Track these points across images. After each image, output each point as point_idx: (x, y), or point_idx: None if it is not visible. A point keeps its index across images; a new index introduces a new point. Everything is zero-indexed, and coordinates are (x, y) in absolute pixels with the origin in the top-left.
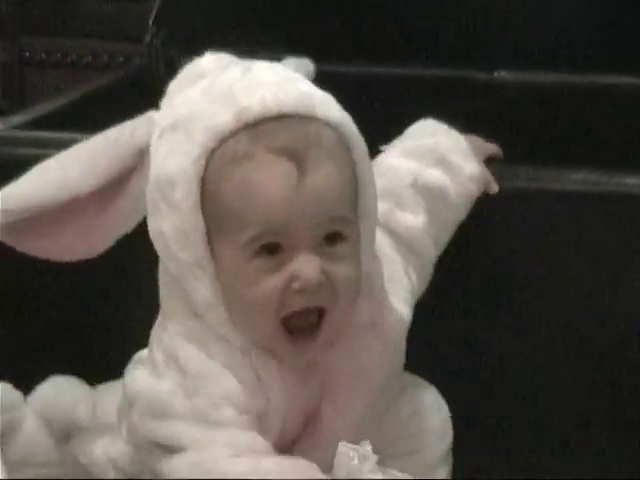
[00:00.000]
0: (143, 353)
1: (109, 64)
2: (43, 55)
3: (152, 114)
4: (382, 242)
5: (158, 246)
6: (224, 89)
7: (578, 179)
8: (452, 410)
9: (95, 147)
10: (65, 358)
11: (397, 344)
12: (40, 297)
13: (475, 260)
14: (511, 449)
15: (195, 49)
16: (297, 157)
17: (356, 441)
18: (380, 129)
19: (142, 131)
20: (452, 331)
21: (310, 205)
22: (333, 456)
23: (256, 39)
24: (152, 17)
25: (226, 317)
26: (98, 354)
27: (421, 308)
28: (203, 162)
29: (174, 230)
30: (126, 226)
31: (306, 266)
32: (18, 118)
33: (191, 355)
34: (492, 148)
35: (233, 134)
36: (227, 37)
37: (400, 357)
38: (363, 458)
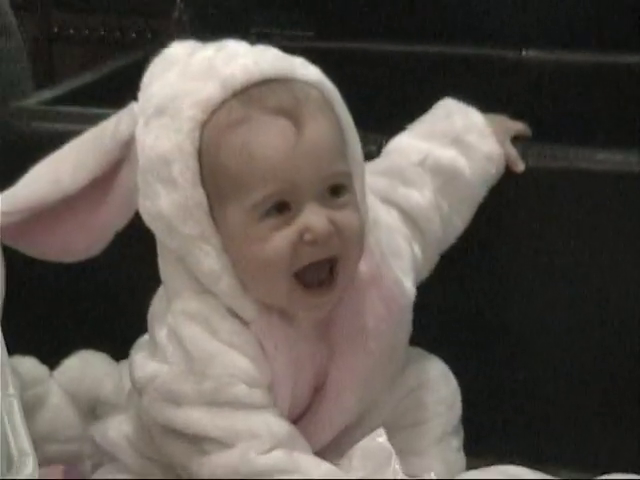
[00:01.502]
0: (144, 338)
1: (137, 40)
2: (72, 31)
3: (133, 105)
4: (387, 213)
5: (157, 227)
6: (202, 66)
7: (604, 158)
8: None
9: (82, 144)
10: (91, 333)
11: (400, 310)
12: (67, 272)
13: (499, 238)
14: (517, 428)
15: (222, 26)
16: (292, 115)
17: (364, 407)
18: (407, 107)
19: (125, 124)
20: (470, 308)
21: (311, 159)
22: (340, 426)
23: (283, 17)
24: None
25: (234, 285)
26: (124, 329)
27: (438, 284)
28: (197, 135)
29: (174, 207)
30: (121, 220)
31: (315, 218)
32: (47, 93)
33: (194, 335)
34: (520, 127)
35: (223, 103)
36: (253, 14)
37: (405, 325)
38: (390, 453)
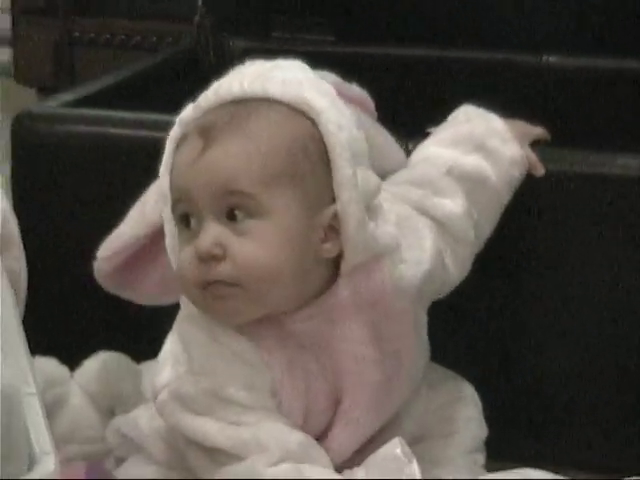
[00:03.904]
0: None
1: (158, 44)
2: (93, 35)
3: None
4: (422, 223)
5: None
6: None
7: (625, 163)
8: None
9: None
10: (111, 334)
11: (405, 316)
12: (87, 275)
13: (518, 242)
14: (537, 431)
15: (243, 30)
16: (207, 134)
17: (385, 419)
18: (427, 111)
19: None
20: (486, 311)
21: (205, 175)
22: (362, 438)
23: (303, 22)
24: None
25: None
26: (144, 331)
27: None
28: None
29: (165, 217)
30: None
31: (202, 235)
32: (67, 96)
33: (196, 338)
34: (538, 132)
35: (192, 121)
36: (274, 18)
37: (415, 331)
38: (403, 464)
